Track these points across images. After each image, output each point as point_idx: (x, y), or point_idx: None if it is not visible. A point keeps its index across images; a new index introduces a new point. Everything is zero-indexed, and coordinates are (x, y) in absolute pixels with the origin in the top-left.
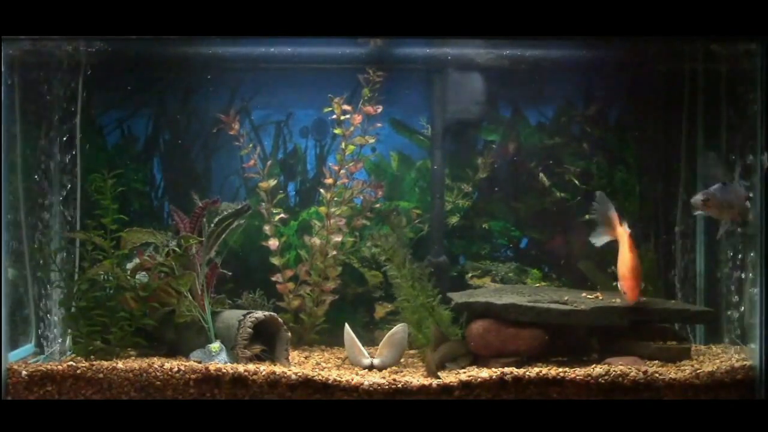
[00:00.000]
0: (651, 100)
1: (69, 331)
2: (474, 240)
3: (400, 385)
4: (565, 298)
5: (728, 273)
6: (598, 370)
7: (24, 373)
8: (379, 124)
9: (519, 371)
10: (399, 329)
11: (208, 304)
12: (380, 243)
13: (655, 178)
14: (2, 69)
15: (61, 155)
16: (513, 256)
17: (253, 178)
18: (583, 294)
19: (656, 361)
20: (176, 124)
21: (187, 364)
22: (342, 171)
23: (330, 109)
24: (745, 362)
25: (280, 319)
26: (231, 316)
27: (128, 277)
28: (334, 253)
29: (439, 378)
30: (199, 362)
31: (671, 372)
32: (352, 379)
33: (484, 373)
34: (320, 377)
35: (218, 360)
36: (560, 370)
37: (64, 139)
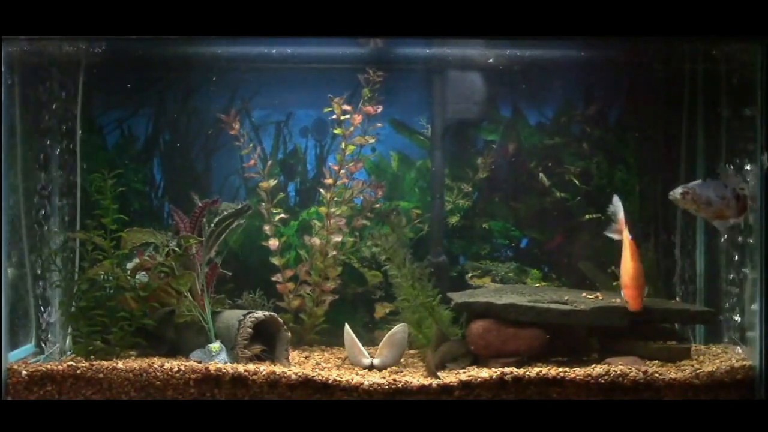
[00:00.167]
0: (651, 100)
1: (69, 331)
2: (474, 240)
3: (400, 385)
4: (565, 298)
5: (728, 273)
6: (598, 370)
7: (24, 373)
8: (379, 124)
9: (519, 371)
10: (399, 329)
11: (208, 304)
12: (380, 242)
13: (655, 178)
14: (2, 69)
15: (61, 155)
16: (513, 256)
17: (253, 178)
18: (583, 294)
19: (656, 361)
20: (176, 124)
21: (187, 364)
22: (342, 171)
23: (330, 109)
24: (745, 362)
25: (280, 319)
26: (231, 316)
27: (128, 277)
28: (334, 253)
29: (439, 378)
30: (199, 362)
31: (671, 372)
32: (352, 379)
33: (484, 373)
34: (320, 377)
35: (218, 360)
36: (560, 370)
37: (65, 139)
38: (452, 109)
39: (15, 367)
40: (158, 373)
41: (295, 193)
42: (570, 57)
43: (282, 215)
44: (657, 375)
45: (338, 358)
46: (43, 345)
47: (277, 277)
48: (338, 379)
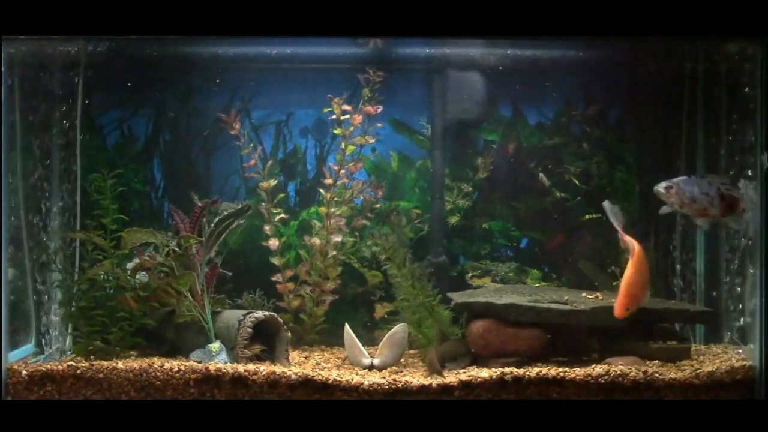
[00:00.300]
0: (651, 100)
1: (69, 331)
2: (474, 240)
3: (400, 385)
4: (565, 298)
5: (728, 273)
6: (598, 370)
7: (24, 373)
8: (379, 124)
9: (519, 371)
10: (399, 329)
11: (208, 304)
12: (380, 242)
13: (655, 178)
14: (2, 69)
15: (61, 155)
16: (513, 256)
17: (253, 178)
18: (583, 294)
19: (656, 361)
20: (176, 124)
21: (187, 364)
22: (342, 171)
23: (330, 109)
24: (745, 362)
25: (280, 319)
26: (231, 316)
27: (128, 277)
28: (334, 253)
29: (444, 377)
30: (199, 362)
31: (671, 372)
32: (352, 379)
33: (484, 373)
34: (320, 377)
35: (218, 360)
36: (560, 370)
37: (65, 139)
38: (452, 109)
39: (15, 367)
40: (158, 373)
41: (295, 193)
42: (570, 57)
43: (282, 215)
44: (657, 375)
45: (338, 358)
46: (44, 342)
47: (277, 277)
48: (338, 379)
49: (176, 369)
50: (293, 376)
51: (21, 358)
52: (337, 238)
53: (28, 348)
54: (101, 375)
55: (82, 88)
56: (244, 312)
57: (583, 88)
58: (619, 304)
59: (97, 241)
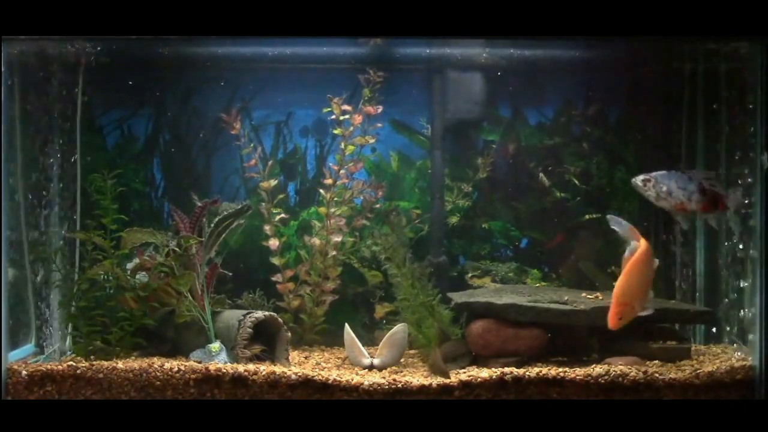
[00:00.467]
0: (651, 100)
1: (69, 331)
2: (474, 240)
3: (400, 385)
4: (565, 298)
5: (727, 273)
6: (598, 370)
7: (24, 373)
8: (379, 124)
9: (519, 371)
10: (399, 329)
11: (208, 304)
12: (380, 242)
13: None
14: (2, 69)
15: (61, 155)
16: (513, 256)
17: (253, 178)
18: (583, 294)
19: (656, 361)
20: (176, 124)
21: (187, 364)
22: (342, 171)
23: (329, 109)
24: (745, 362)
25: (280, 319)
26: (231, 316)
27: (128, 277)
28: (334, 253)
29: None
30: (199, 362)
31: (671, 372)
32: (352, 379)
33: (484, 373)
34: (320, 377)
35: (218, 360)
36: (560, 370)
37: (65, 139)
38: (452, 109)
39: (15, 367)
40: (158, 373)
41: (295, 193)
42: (570, 57)
43: (282, 215)
44: (657, 375)
45: (338, 358)
46: (44, 344)
47: (277, 277)
48: (338, 379)
49: (176, 369)
50: (293, 376)
51: (21, 358)
52: (337, 238)
53: (28, 348)
54: (101, 375)
55: (82, 88)
56: (244, 312)
57: (583, 88)
58: (610, 315)
59: (97, 241)
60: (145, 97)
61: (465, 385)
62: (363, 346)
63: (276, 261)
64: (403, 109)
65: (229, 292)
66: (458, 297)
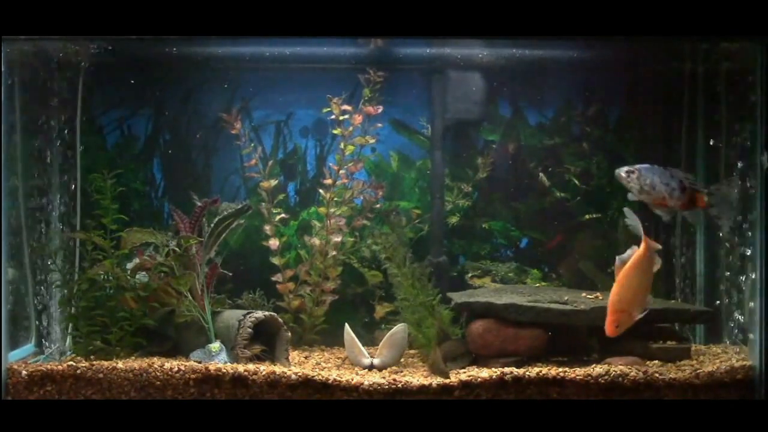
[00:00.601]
0: (651, 100)
1: (69, 331)
2: (474, 240)
3: (400, 385)
4: (565, 298)
5: (727, 273)
6: (598, 370)
7: (24, 373)
8: (379, 124)
9: (519, 371)
10: (399, 329)
11: (208, 304)
12: (380, 241)
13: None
14: (2, 69)
15: (61, 155)
16: (513, 256)
17: (253, 177)
18: (583, 294)
19: (656, 361)
20: (176, 124)
21: (187, 364)
22: (342, 171)
23: (329, 109)
24: (745, 362)
25: (280, 319)
26: (231, 316)
27: (128, 277)
28: (334, 253)
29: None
30: (199, 362)
31: (671, 372)
32: (352, 379)
33: (484, 373)
34: (320, 377)
35: (218, 360)
36: (560, 370)
37: (65, 138)
38: (452, 109)
39: (15, 367)
40: (158, 373)
41: (295, 193)
42: (570, 57)
43: (282, 215)
44: (657, 375)
45: (338, 358)
46: (44, 344)
47: (277, 277)
48: (338, 379)
49: (176, 369)
50: (293, 376)
51: (21, 358)
52: (337, 238)
53: (28, 348)
54: (101, 375)
55: (82, 88)
56: (244, 312)
57: (583, 88)
58: (607, 323)
59: (97, 241)
60: (145, 96)
61: (465, 385)
62: (363, 346)
63: (276, 261)
64: (403, 109)
65: (229, 292)
66: (458, 297)
